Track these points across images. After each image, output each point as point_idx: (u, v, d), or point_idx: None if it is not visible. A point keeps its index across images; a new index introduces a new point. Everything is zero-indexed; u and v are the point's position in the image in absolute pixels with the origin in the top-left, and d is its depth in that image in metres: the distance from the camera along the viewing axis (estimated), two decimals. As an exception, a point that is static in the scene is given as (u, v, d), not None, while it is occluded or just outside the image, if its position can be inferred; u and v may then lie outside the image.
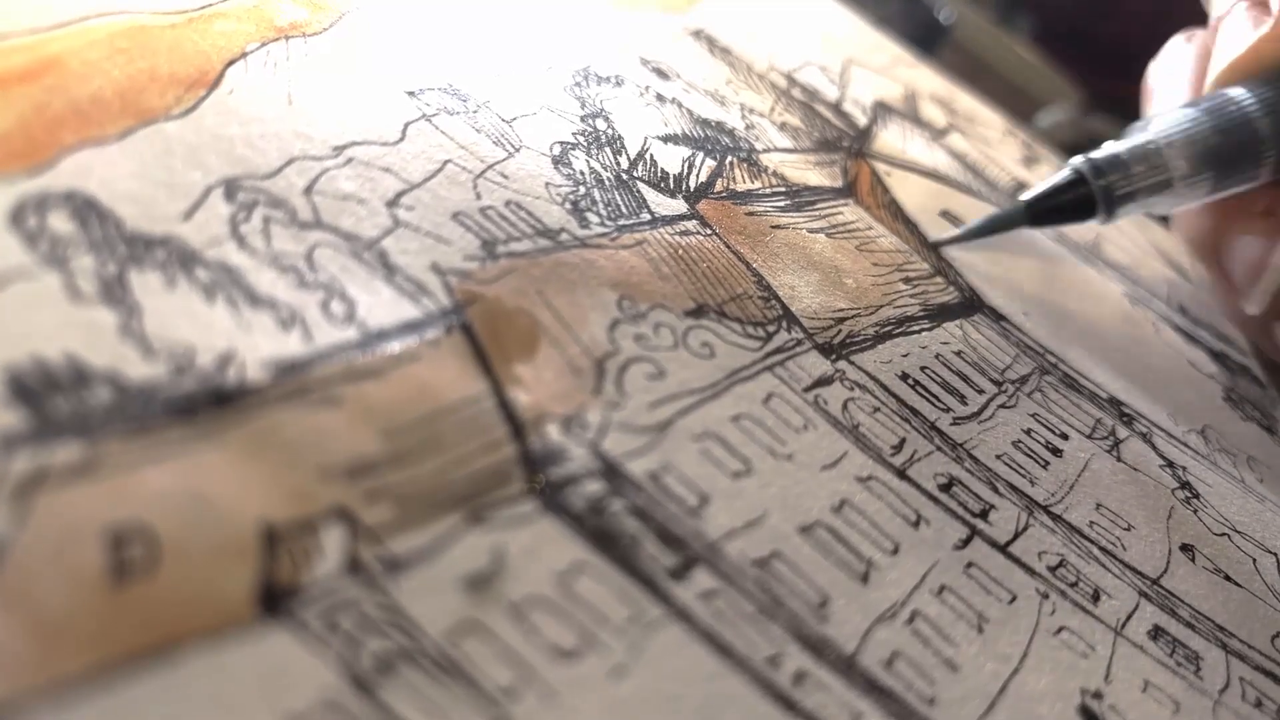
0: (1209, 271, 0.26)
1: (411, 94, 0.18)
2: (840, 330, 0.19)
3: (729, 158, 0.22)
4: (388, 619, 0.11)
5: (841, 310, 0.20)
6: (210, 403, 0.12)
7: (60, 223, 0.13)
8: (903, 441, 0.18)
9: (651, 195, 0.20)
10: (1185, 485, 0.21)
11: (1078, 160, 0.24)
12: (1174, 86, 0.27)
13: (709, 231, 0.20)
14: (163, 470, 0.11)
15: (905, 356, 0.20)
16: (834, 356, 0.18)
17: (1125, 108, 0.30)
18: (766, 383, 0.17)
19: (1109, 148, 0.24)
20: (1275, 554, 0.21)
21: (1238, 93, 0.23)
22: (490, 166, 0.18)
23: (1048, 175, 0.25)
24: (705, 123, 0.23)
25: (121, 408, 0.11)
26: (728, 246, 0.19)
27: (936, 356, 0.20)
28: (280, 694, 0.10)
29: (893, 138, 0.28)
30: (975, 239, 0.25)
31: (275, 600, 0.11)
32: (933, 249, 0.24)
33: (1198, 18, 0.28)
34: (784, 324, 0.18)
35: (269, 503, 0.11)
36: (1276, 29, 0.23)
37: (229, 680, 0.10)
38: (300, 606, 0.11)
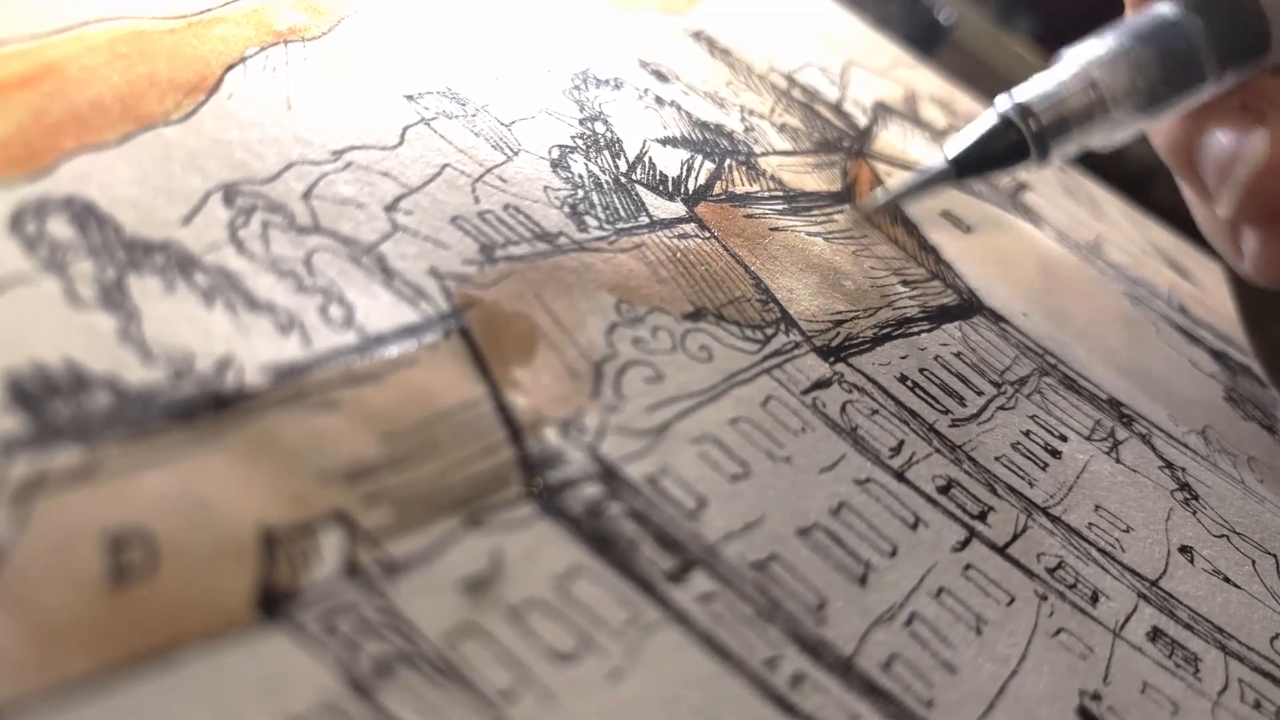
0: (1183, 179, 0.24)
1: (410, 98, 0.18)
2: (838, 333, 0.19)
3: (728, 160, 0.22)
4: (386, 622, 0.11)
5: (840, 313, 0.20)
6: (209, 407, 0.12)
7: (59, 228, 0.13)
8: (901, 444, 0.18)
9: (650, 198, 0.20)
10: (1184, 486, 0.21)
11: (1001, 102, 0.22)
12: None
13: (707, 234, 0.20)
14: (162, 474, 0.11)
15: (904, 359, 0.20)
16: (832, 359, 0.18)
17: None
18: (764, 385, 0.17)
19: (1033, 83, 0.22)
20: (1274, 555, 0.21)
21: (1163, 6, 0.22)
22: (489, 170, 0.18)
23: (970, 123, 0.24)
24: (704, 125, 0.23)
25: (121, 412, 0.12)
26: (726, 249, 0.19)
27: (935, 358, 0.20)
28: (279, 697, 0.10)
29: (893, 138, 0.28)
30: (901, 199, 0.24)
31: (274, 603, 0.11)
32: (930, 251, 0.24)
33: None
34: (782, 327, 0.18)
35: (267, 506, 0.12)
36: None
37: (228, 683, 0.10)
38: (299, 610, 0.11)
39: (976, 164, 0.23)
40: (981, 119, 0.23)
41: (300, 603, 0.11)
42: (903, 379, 0.19)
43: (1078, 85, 0.22)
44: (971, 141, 0.22)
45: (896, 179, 0.24)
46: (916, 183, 0.23)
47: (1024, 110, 0.22)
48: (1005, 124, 0.22)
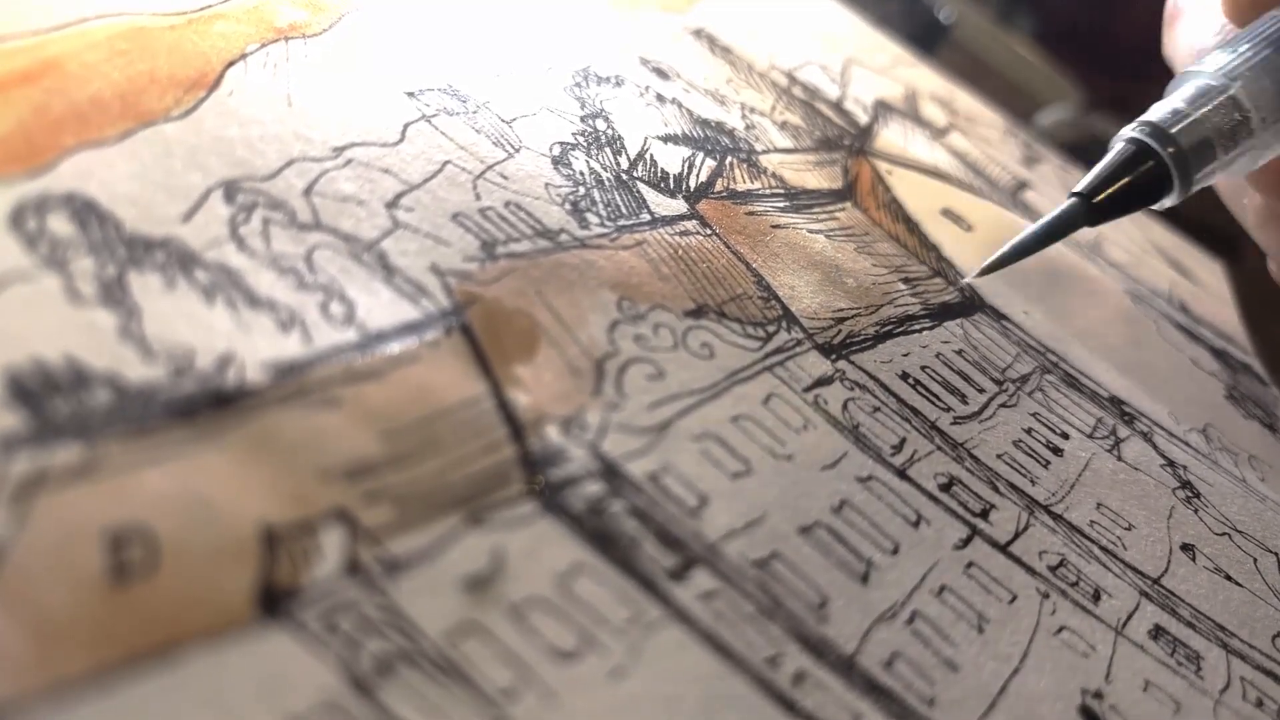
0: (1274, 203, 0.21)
1: (411, 95, 0.18)
2: (840, 330, 0.19)
3: (729, 158, 0.22)
4: (387, 620, 0.11)
5: (841, 310, 0.20)
6: (210, 404, 0.12)
7: (60, 225, 0.13)
8: (903, 441, 0.18)
9: (651, 195, 0.20)
10: (1186, 485, 0.21)
11: (1130, 130, 0.19)
12: (1209, 5, 0.22)
13: (709, 231, 0.20)
14: (162, 472, 0.11)
15: (906, 356, 0.20)
16: (834, 356, 0.18)
17: (1126, 106, 0.30)
18: (766, 383, 0.17)
19: (1161, 107, 0.19)
20: (1276, 553, 0.21)
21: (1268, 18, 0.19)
22: (490, 167, 0.18)
23: (1097, 164, 0.20)
24: (705, 123, 0.23)
25: (121, 409, 0.11)
26: (727, 246, 0.19)
27: (937, 356, 0.20)
28: (280, 695, 0.10)
29: (894, 136, 0.28)
30: (1031, 254, 0.20)
31: (275, 601, 0.11)
32: (932, 249, 0.24)
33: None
34: (784, 324, 0.18)
35: (268, 504, 0.11)
36: None
37: (229, 681, 0.10)
38: (300, 608, 0.11)
39: (1110, 203, 0.19)
40: (1113, 150, 0.19)
41: (301, 601, 0.11)
42: (904, 376, 0.19)
43: (1215, 101, 0.19)
44: (1102, 174, 0.19)
45: (1018, 234, 0.20)
46: (1045, 232, 0.19)
47: (1158, 133, 0.18)
48: (1139, 151, 0.19)
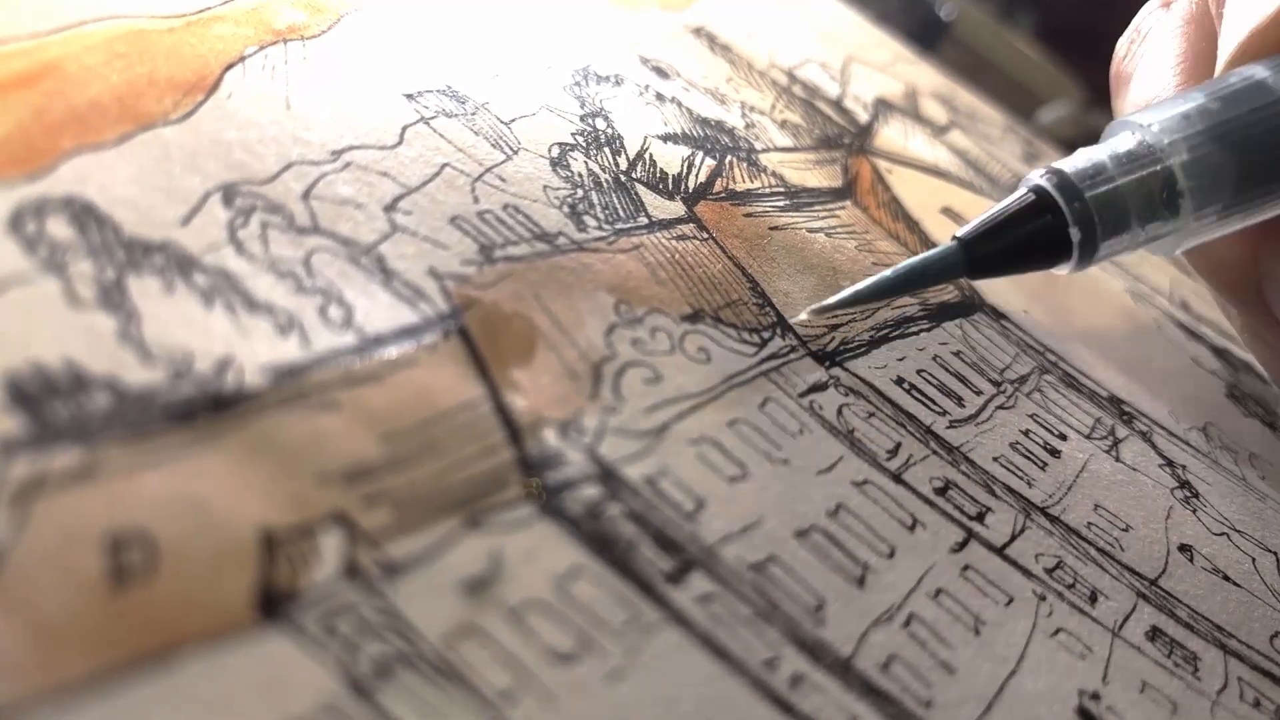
0: (1244, 315, 0.19)
1: (410, 96, 0.18)
2: (834, 337, 0.19)
3: (729, 157, 0.22)
4: (386, 623, 0.11)
5: (835, 316, 0.20)
6: (208, 408, 0.12)
7: (59, 228, 0.13)
8: (898, 446, 0.18)
9: (649, 198, 0.20)
10: (1185, 484, 0.21)
11: (1035, 176, 0.16)
12: (1158, 68, 0.19)
13: (706, 236, 0.20)
14: (161, 475, 0.11)
15: (901, 361, 0.20)
16: (827, 363, 0.18)
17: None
18: (762, 387, 0.17)
19: (1084, 155, 0.17)
20: (1274, 553, 0.21)
21: (1262, 72, 0.17)
22: (488, 170, 0.18)
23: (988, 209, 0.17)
24: (705, 122, 0.23)
25: (120, 413, 0.12)
26: (724, 251, 0.19)
27: (934, 358, 0.20)
28: (279, 698, 0.10)
29: (894, 134, 0.28)
30: (892, 297, 0.17)
31: (274, 605, 0.11)
32: (932, 248, 0.24)
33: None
34: (778, 330, 0.18)
35: (267, 507, 0.12)
36: None
37: (228, 685, 0.10)
38: (298, 611, 0.11)
39: (992, 257, 0.16)
40: (1013, 195, 0.17)
41: (300, 604, 0.11)
42: (899, 381, 0.19)
43: (1147, 170, 0.16)
44: (990, 221, 0.16)
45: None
46: (911, 272, 0.17)
47: (1064, 183, 0.16)
48: (1037, 202, 0.16)
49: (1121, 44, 0.22)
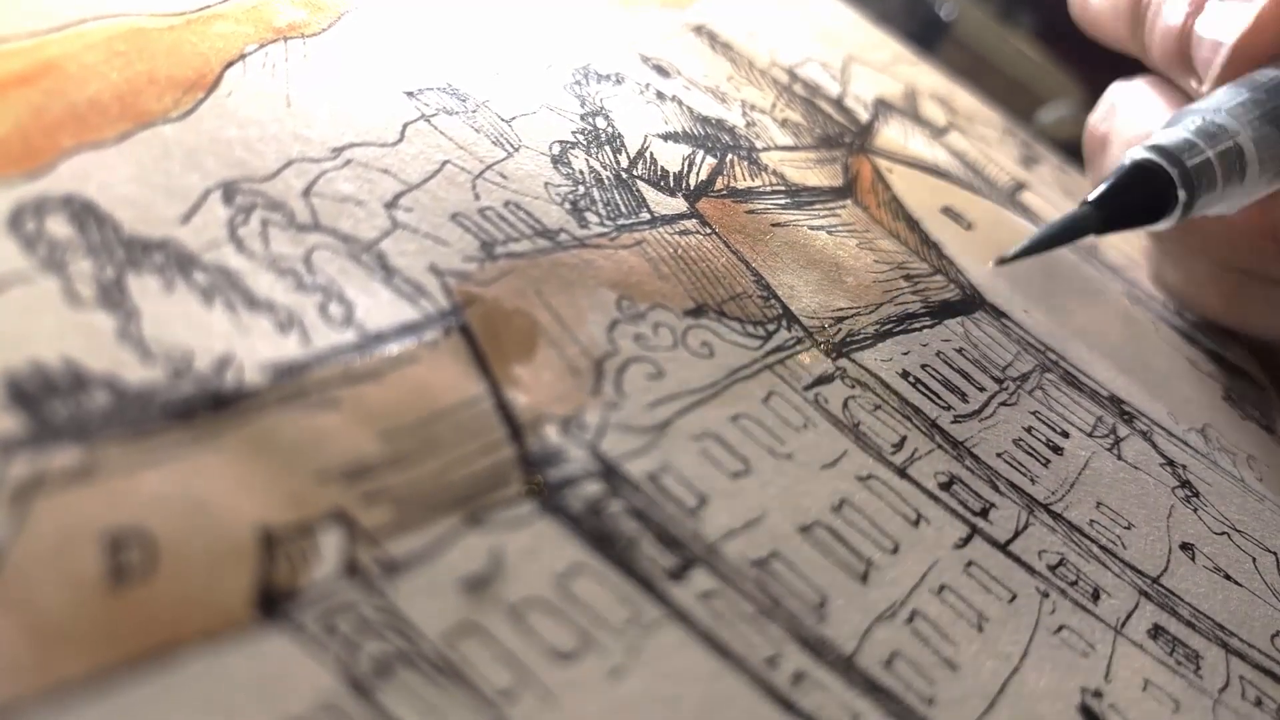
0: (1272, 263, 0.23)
1: (410, 94, 0.18)
2: (840, 329, 0.19)
3: (729, 156, 0.22)
4: (386, 621, 0.11)
5: (841, 309, 0.20)
6: (208, 406, 0.12)
7: (58, 227, 0.13)
8: (903, 440, 0.17)
9: (651, 194, 0.20)
10: (1185, 484, 0.21)
11: (1138, 152, 0.21)
12: (1139, 122, 0.25)
13: (708, 230, 0.20)
14: (161, 474, 0.11)
15: (906, 354, 0.20)
16: (834, 355, 0.18)
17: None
18: (766, 381, 0.17)
19: (1167, 135, 0.21)
20: (1275, 553, 0.21)
21: (1267, 72, 0.21)
22: (489, 167, 0.18)
23: (1107, 174, 0.21)
24: (706, 120, 0.23)
25: (120, 412, 0.11)
26: (727, 245, 0.19)
27: (938, 354, 0.20)
28: (278, 697, 0.10)
29: (894, 134, 0.28)
30: (1041, 252, 0.21)
31: (273, 603, 0.11)
32: (933, 247, 0.24)
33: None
34: (784, 323, 0.18)
35: (267, 506, 0.12)
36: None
37: (227, 684, 0.10)
38: (298, 610, 0.11)
39: (1119, 213, 0.21)
40: (1123, 166, 0.21)
41: (299, 603, 0.11)
42: (905, 375, 0.19)
43: (1224, 145, 0.20)
44: (1112, 186, 0.20)
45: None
46: (1056, 231, 0.21)
47: (1171, 157, 0.20)
48: (1147, 168, 0.20)
49: (1094, 119, 0.27)
